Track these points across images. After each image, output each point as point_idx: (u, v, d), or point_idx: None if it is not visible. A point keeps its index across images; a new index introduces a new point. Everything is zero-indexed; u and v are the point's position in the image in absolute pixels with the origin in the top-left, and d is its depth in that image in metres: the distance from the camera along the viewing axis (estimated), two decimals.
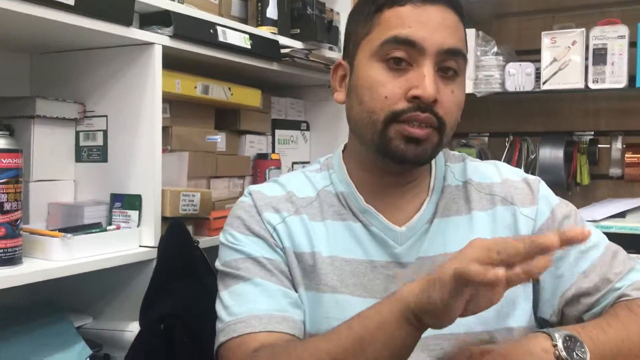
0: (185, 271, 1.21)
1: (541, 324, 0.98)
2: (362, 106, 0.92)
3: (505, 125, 1.88)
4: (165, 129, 1.48)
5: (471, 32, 1.70)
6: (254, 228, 0.96)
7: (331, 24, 1.94)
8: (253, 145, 1.79)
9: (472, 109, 1.90)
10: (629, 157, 1.65)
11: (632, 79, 1.52)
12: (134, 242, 1.25)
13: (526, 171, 1.77)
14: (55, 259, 1.09)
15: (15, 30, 1.16)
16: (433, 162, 1.00)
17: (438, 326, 0.72)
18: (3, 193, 1.01)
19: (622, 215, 1.52)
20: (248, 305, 0.90)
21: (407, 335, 0.74)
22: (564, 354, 0.77)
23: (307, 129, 2.00)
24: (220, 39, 1.39)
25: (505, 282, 0.65)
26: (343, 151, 1.04)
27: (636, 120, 1.70)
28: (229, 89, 1.56)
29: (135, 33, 1.22)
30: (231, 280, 0.94)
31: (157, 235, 1.26)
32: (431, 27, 0.89)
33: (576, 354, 0.78)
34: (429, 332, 0.75)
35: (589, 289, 0.93)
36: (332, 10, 2.02)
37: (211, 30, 1.37)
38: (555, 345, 0.78)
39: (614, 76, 1.53)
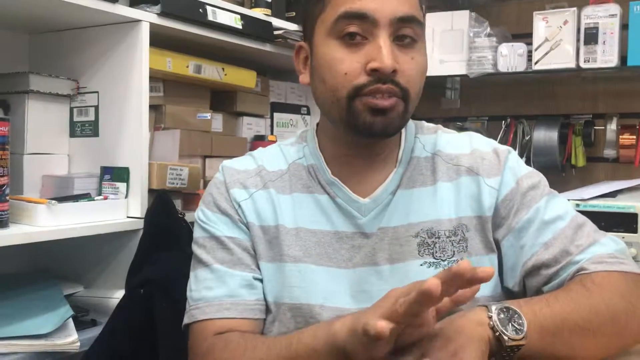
0: (169, 242, 1.25)
1: (507, 293, 0.96)
2: (325, 85, 0.92)
3: (504, 109, 1.88)
4: (158, 107, 1.53)
5: (465, 14, 1.71)
6: (221, 205, 0.99)
7: None
8: (251, 127, 1.83)
9: (471, 93, 1.91)
10: (624, 138, 1.64)
11: (624, 58, 1.50)
12: (122, 212, 1.30)
13: (521, 153, 1.78)
14: (41, 224, 1.15)
15: (13, 10, 1.22)
16: (402, 134, 1.00)
17: None
18: None
19: (612, 195, 1.51)
20: (203, 292, 0.95)
21: None
22: (499, 325, 0.76)
23: (308, 113, 2.03)
24: (210, 18, 1.43)
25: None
26: (318, 125, 1.06)
27: (631, 102, 1.69)
28: (223, 69, 1.60)
29: (122, 10, 1.26)
30: (197, 264, 0.98)
31: (144, 207, 1.30)
32: None
33: (512, 325, 0.77)
34: None
35: (548, 261, 0.90)
36: None
37: (200, 10, 1.41)
38: (490, 317, 0.77)
39: (605, 55, 1.52)
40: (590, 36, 1.53)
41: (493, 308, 0.77)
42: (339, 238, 0.95)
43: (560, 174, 1.76)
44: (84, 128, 1.38)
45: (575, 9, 1.55)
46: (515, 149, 1.73)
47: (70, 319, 1.15)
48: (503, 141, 1.80)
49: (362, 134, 0.92)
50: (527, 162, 1.77)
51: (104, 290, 1.33)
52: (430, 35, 1.75)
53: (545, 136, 1.70)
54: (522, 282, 0.93)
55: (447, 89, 1.95)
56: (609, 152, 1.66)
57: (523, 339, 0.75)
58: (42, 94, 1.32)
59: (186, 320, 0.96)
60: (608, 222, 1.44)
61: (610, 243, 0.92)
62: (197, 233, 1.00)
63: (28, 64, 1.46)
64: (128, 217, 1.31)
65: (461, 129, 1.87)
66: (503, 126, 1.81)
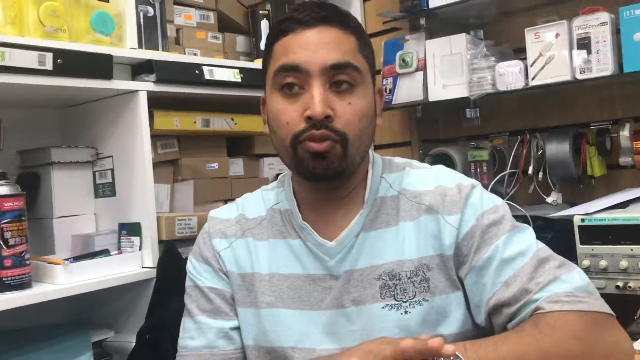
0: (177, 288, 1.37)
1: (477, 329, 0.96)
2: (275, 135, 0.99)
3: (524, 123, 1.85)
4: (175, 162, 1.68)
5: (462, 37, 1.72)
6: (205, 255, 1.07)
7: None
8: (272, 166, 1.92)
9: (491, 110, 1.91)
10: (637, 143, 1.57)
11: (622, 65, 1.46)
12: (137, 264, 1.44)
13: (536, 167, 1.76)
14: (60, 282, 1.30)
15: (44, 92, 1.40)
16: (369, 174, 1.03)
17: None
18: (7, 231, 1.23)
19: (624, 205, 1.46)
20: (187, 341, 1.04)
21: None
22: None
23: None
24: (207, 77, 1.56)
25: None
26: None
27: None
28: (232, 119, 1.72)
29: (120, 84, 1.41)
30: (185, 312, 1.08)
31: (155, 257, 1.43)
32: (311, 48, 0.93)
33: None
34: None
35: (508, 299, 0.90)
36: None
37: (196, 71, 1.54)
38: None
39: (600, 64, 1.47)
40: (583, 46, 1.50)
41: None
42: (312, 280, 1.00)
43: (577, 185, 1.71)
44: (105, 189, 1.54)
45: (564, 21, 1.53)
46: (530, 164, 1.75)
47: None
48: (517, 157, 1.78)
49: (309, 179, 0.98)
50: (544, 176, 1.75)
51: (132, 335, 1.47)
52: (432, 62, 1.78)
53: (558, 149, 1.66)
54: (488, 319, 0.94)
55: (467, 109, 1.95)
56: (625, 160, 1.59)
57: None
58: (65, 163, 1.50)
59: None
60: (615, 235, 1.40)
61: (574, 279, 0.90)
62: (187, 282, 1.11)
63: (60, 136, 1.65)
64: (143, 267, 1.45)
65: (475, 148, 1.88)
66: (517, 142, 1.79)
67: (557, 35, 1.54)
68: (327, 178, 0.97)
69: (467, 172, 1.84)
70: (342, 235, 1.00)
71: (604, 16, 1.48)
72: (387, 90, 1.88)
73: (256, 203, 1.10)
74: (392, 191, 1.02)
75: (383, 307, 0.95)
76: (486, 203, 0.98)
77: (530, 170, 1.75)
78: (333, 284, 0.99)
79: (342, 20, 0.97)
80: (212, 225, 1.10)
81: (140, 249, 1.44)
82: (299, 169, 0.98)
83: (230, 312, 1.05)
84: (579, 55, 1.51)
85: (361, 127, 0.96)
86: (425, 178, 1.03)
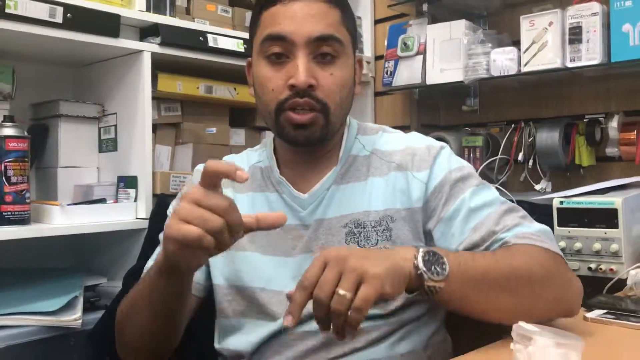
0: None
1: None
2: (260, 100, 1.06)
3: (521, 113, 1.90)
4: (178, 125, 1.76)
5: (461, 23, 1.77)
6: None
7: None
8: None
9: (490, 99, 1.96)
10: (624, 135, 1.60)
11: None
12: (131, 214, 1.52)
13: (527, 155, 1.80)
14: (56, 222, 1.39)
15: (57, 49, 1.50)
16: (344, 136, 1.10)
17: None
18: (10, 169, 1.33)
19: (603, 192, 1.49)
20: (149, 262, 1.12)
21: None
22: (421, 265, 0.81)
23: None
24: (211, 44, 1.63)
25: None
26: None
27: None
28: (234, 88, 1.80)
29: (127, 43, 1.50)
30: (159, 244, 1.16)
31: (148, 209, 1.52)
32: (298, 20, 0.99)
33: (435, 268, 0.82)
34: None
35: (477, 242, 0.97)
36: None
37: (201, 38, 1.62)
38: (415, 257, 0.82)
39: (589, 53, 1.51)
40: (575, 35, 1.54)
41: (420, 250, 0.83)
42: (285, 230, 1.06)
43: (564, 173, 1.75)
44: (108, 144, 1.63)
45: (558, 10, 1.57)
46: (520, 151, 1.79)
47: (80, 302, 1.37)
48: (509, 144, 1.83)
49: (290, 144, 1.06)
50: (534, 164, 1.79)
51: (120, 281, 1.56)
52: (432, 47, 1.83)
53: (547, 137, 1.70)
54: None
55: (467, 97, 2.00)
56: (611, 150, 1.63)
57: (442, 282, 0.82)
58: (72, 117, 1.59)
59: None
60: (590, 218, 1.44)
61: (535, 225, 0.99)
62: (166, 221, 1.19)
63: (72, 94, 1.75)
64: (137, 218, 1.53)
65: (471, 135, 1.93)
66: (511, 129, 1.84)
67: (550, 24, 1.58)
68: (309, 145, 1.04)
69: (461, 157, 1.88)
70: (314, 189, 1.07)
71: (596, 7, 1.52)
72: (388, 73, 1.94)
73: (240, 161, 1.19)
74: (364, 151, 1.09)
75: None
76: (453, 162, 1.06)
77: (520, 157, 1.79)
78: (304, 233, 1.06)
79: None
80: (197, 177, 1.17)
81: (135, 200, 1.53)
82: (280, 135, 1.05)
83: None
84: (570, 44, 1.55)
85: (342, 96, 1.03)
86: (396, 140, 1.10)
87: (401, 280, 0.80)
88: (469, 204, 0.99)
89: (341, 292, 0.75)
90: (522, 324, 0.67)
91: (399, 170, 1.05)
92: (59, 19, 1.33)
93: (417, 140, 1.09)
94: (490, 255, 0.92)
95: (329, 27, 1.01)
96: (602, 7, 1.52)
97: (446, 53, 1.80)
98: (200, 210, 0.76)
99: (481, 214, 0.99)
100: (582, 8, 1.53)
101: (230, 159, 1.21)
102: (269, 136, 1.19)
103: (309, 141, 1.02)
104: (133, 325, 1.03)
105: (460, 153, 1.90)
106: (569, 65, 1.56)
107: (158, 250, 1.12)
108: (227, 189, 1.12)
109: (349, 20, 1.07)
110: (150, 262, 1.12)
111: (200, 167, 1.20)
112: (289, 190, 1.08)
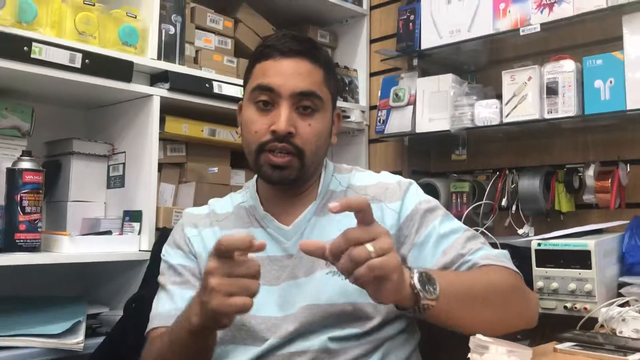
0: None
1: None
2: (245, 139, 1.19)
3: (507, 162, 2.01)
4: (182, 165, 1.88)
5: (449, 77, 1.91)
6: (177, 242, 1.26)
7: (350, 82, 2.27)
8: None
9: (478, 148, 2.07)
10: (600, 183, 1.71)
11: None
12: (134, 246, 1.62)
13: (510, 201, 1.90)
14: (65, 251, 1.49)
15: (72, 88, 1.61)
16: (322, 174, 1.23)
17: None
18: (25, 199, 1.43)
19: (579, 235, 1.59)
20: (159, 308, 1.20)
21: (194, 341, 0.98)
22: (418, 285, 0.89)
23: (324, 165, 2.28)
24: (216, 90, 1.77)
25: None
26: None
27: (621, 150, 1.78)
28: (237, 132, 1.91)
29: (139, 88, 1.63)
30: (159, 288, 1.25)
31: (151, 242, 1.61)
32: (285, 75, 1.12)
33: (428, 287, 0.90)
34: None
35: (446, 263, 1.08)
36: (347, 68, 2.33)
37: (207, 85, 1.75)
38: (412, 277, 0.90)
39: (565, 106, 1.63)
40: (551, 90, 1.67)
41: (415, 271, 0.91)
42: (270, 261, 1.17)
43: (545, 218, 1.85)
44: (116, 181, 1.74)
45: (536, 66, 1.71)
46: (504, 197, 1.90)
47: (83, 327, 1.45)
48: (493, 191, 1.93)
49: (267, 183, 1.18)
50: (516, 210, 1.89)
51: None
52: (421, 98, 1.97)
53: (529, 185, 1.81)
54: None
55: (456, 146, 2.12)
56: (588, 197, 1.73)
57: (434, 300, 0.90)
58: (84, 154, 1.71)
59: (147, 330, 1.21)
60: (566, 259, 1.53)
61: (496, 250, 1.12)
62: (161, 265, 1.28)
63: (84, 134, 1.87)
64: (140, 250, 1.63)
65: (458, 181, 2.04)
66: (495, 176, 1.95)
67: (529, 79, 1.71)
68: (283, 184, 1.17)
69: (449, 202, 2.00)
70: (297, 221, 1.18)
71: (570, 64, 1.65)
72: (381, 121, 2.07)
73: (225, 202, 1.31)
74: (341, 187, 1.23)
75: (327, 273, 1.12)
76: (422, 196, 1.20)
77: (504, 203, 1.89)
78: (288, 262, 1.16)
79: (315, 55, 1.18)
80: (185, 219, 1.29)
81: (139, 233, 1.63)
82: (259, 173, 1.18)
83: (198, 284, 1.21)
84: (547, 97, 1.67)
85: (317, 144, 1.16)
86: (369, 176, 1.25)
87: (400, 290, 0.88)
88: (438, 231, 1.12)
89: (370, 248, 0.83)
90: (479, 336, 0.76)
91: (373, 202, 1.16)
92: (77, 64, 1.47)
93: (388, 177, 1.23)
94: (469, 274, 1.04)
95: (312, 84, 1.15)
96: (576, 65, 1.65)
97: (434, 104, 1.93)
98: (238, 280, 0.87)
99: (450, 239, 1.11)
100: (558, 65, 1.67)
101: (216, 202, 1.32)
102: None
103: (283, 181, 1.14)
104: None
105: (448, 198, 2.01)
106: (547, 116, 1.68)
107: (164, 296, 1.20)
108: (214, 227, 1.23)
109: (331, 80, 1.22)
110: (161, 307, 1.19)
111: (188, 210, 1.32)
112: (273, 223, 1.19)
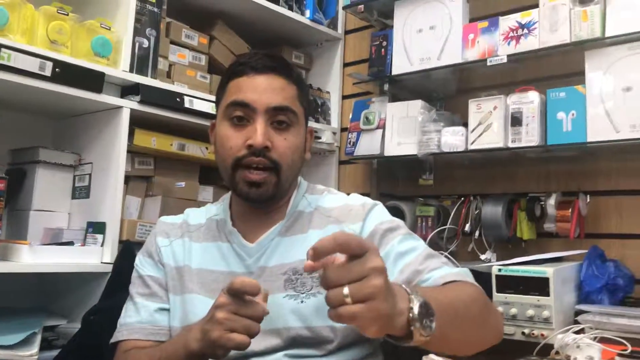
0: (127, 282, 1.52)
1: None
2: (219, 156, 1.20)
3: (472, 188, 2.05)
4: (149, 178, 1.87)
5: (417, 103, 1.95)
6: (149, 250, 1.27)
7: (323, 104, 2.30)
8: None
9: (445, 174, 2.11)
10: (560, 213, 1.76)
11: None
12: (97, 258, 1.60)
13: (473, 227, 1.93)
14: (24, 261, 1.46)
15: (40, 101, 1.61)
16: (294, 194, 1.24)
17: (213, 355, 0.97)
18: None
19: (539, 262, 1.62)
20: (126, 319, 1.21)
21: None
22: (417, 323, 0.79)
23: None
24: (187, 105, 1.77)
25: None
26: None
27: (584, 180, 1.83)
28: (206, 148, 1.92)
29: (109, 99, 1.63)
30: (129, 297, 1.25)
31: (114, 254, 1.60)
32: (260, 91, 1.14)
33: (426, 322, 0.80)
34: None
35: (403, 282, 1.04)
36: (320, 89, 2.36)
37: (177, 99, 1.75)
38: (411, 309, 0.79)
39: (528, 136, 1.69)
40: (515, 119, 1.71)
41: (416, 302, 0.80)
42: (233, 276, 1.14)
43: (506, 244, 1.88)
44: (81, 191, 1.72)
45: (502, 96, 1.75)
46: (467, 223, 1.93)
47: (38, 339, 1.43)
48: (457, 215, 1.96)
49: (243, 200, 1.19)
50: (479, 236, 1.92)
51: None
52: (391, 122, 2.00)
53: (492, 211, 1.85)
54: None
55: (424, 171, 2.15)
56: (549, 226, 1.78)
57: (428, 337, 0.80)
58: (50, 163, 1.69)
59: (112, 340, 1.21)
60: (525, 286, 1.56)
61: (456, 268, 1.11)
62: (132, 274, 1.28)
63: (51, 144, 1.85)
64: (102, 262, 1.61)
65: (424, 205, 2.07)
66: (459, 202, 1.98)
67: (495, 108, 1.75)
68: (260, 202, 1.17)
69: (414, 225, 2.03)
70: (260, 239, 1.19)
71: (534, 95, 1.70)
72: (351, 143, 2.09)
73: (200, 213, 1.31)
74: (309, 208, 1.23)
75: (284, 297, 1.12)
76: (385, 216, 1.19)
77: (467, 228, 1.92)
78: (247, 279, 1.16)
79: (288, 72, 1.20)
80: (159, 227, 1.29)
81: (102, 245, 1.61)
82: (235, 191, 1.19)
83: (164, 296, 1.22)
84: (512, 126, 1.72)
85: (293, 158, 1.18)
86: (338, 199, 1.25)
87: (388, 329, 0.79)
88: (397, 249, 1.12)
89: (346, 291, 0.73)
90: (431, 355, 0.77)
91: (335, 223, 1.18)
92: (48, 72, 1.46)
93: (355, 199, 1.24)
94: (450, 291, 0.99)
95: (286, 100, 1.17)
96: (540, 96, 1.70)
97: (403, 129, 1.96)
98: (242, 319, 0.92)
99: (408, 257, 1.11)
100: (522, 96, 1.72)
101: (191, 212, 1.32)
102: None
103: (260, 198, 1.15)
104: None
105: (414, 221, 2.04)
106: (511, 145, 1.72)
107: (131, 307, 1.21)
108: (184, 238, 1.24)
109: (304, 97, 1.24)
110: (128, 319, 1.20)
111: (163, 218, 1.32)
112: (239, 239, 1.20)
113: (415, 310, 0.79)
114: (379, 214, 1.20)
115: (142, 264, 1.26)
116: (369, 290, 0.73)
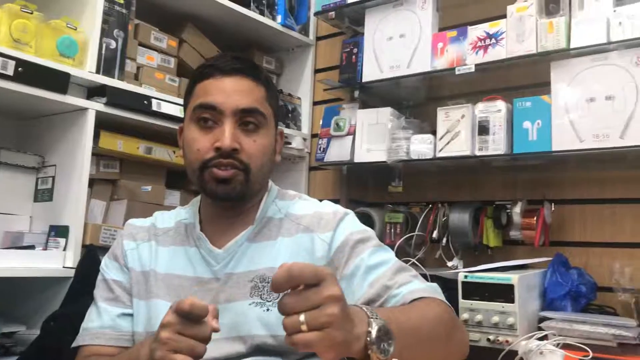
0: (90, 288, 1.49)
1: None
2: (187, 159, 1.17)
3: (440, 195, 2.07)
4: (115, 182, 1.84)
5: (387, 110, 1.97)
6: (115, 253, 1.24)
7: (294, 109, 2.29)
8: None
9: (414, 181, 2.12)
10: (525, 221, 1.78)
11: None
12: (59, 262, 1.56)
13: (440, 234, 1.95)
14: None
15: (3, 97, 1.56)
16: (264, 199, 1.22)
17: None
18: None
19: (504, 270, 1.64)
20: (88, 323, 1.18)
21: None
22: (375, 347, 0.79)
23: None
24: (154, 108, 1.75)
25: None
26: None
27: (549, 189, 1.86)
28: (174, 152, 1.90)
29: (74, 100, 1.59)
30: (93, 300, 1.22)
31: (77, 259, 1.56)
32: (227, 93, 1.12)
33: (383, 346, 0.80)
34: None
35: (373, 296, 1.05)
36: (291, 95, 2.36)
37: (145, 101, 1.73)
38: (369, 334, 0.79)
39: (495, 144, 1.71)
40: (482, 128, 1.73)
41: (374, 324, 0.80)
42: (199, 282, 1.15)
43: (473, 252, 1.90)
44: (44, 194, 1.69)
45: (469, 105, 1.77)
46: (435, 230, 1.94)
47: None
48: (425, 222, 1.98)
49: (212, 198, 1.16)
50: (447, 243, 1.94)
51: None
52: (361, 129, 2.01)
53: (459, 218, 1.86)
54: None
55: (393, 178, 2.16)
56: (515, 233, 1.80)
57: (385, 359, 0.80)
58: (11, 165, 1.65)
59: (73, 344, 1.18)
60: (490, 292, 1.57)
61: (425, 283, 1.09)
62: (98, 277, 1.25)
63: (15, 146, 1.81)
64: (64, 267, 1.57)
65: (393, 212, 2.08)
66: (427, 209, 1.99)
67: (462, 116, 1.77)
68: (228, 199, 1.15)
69: (383, 231, 2.03)
70: (228, 245, 1.17)
71: (501, 104, 1.72)
72: (321, 149, 2.09)
73: (169, 217, 1.29)
74: (279, 214, 1.21)
75: (250, 304, 1.10)
76: (356, 226, 1.17)
77: (435, 235, 1.94)
78: (214, 286, 1.14)
79: (255, 73, 1.18)
80: (126, 230, 1.27)
81: (64, 249, 1.57)
82: (204, 190, 1.16)
83: (127, 301, 1.19)
84: (479, 135, 1.73)
85: (263, 161, 1.16)
86: (309, 206, 1.22)
87: (346, 353, 0.78)
88: (367, 263, 1.10)
89: (302, 319, 0.74)
90: None
91: (305, 232, 1.16)
92: (10, 71, 1.43)
93: (326, 207, 1.21)
94: (415, 310, 0.99)
95: (254, 101, 1.15)
96: (507, 105, 1.73)
97: (373, 135, 1.97)
98: (186, 340, 0.87)
99: (377, 271, 1.09)
100: (490, 105, 1.74)
101: (160, 215, 1.29)
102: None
103: (228, 195, 1.13)
104: None
105: (382, 228, 2.04)
106: (477, 153, 1.74)
107: (94, 311, 1.19)
108: (151, 242, 1.22)
109: (272, 98, 1.22)
110: (90, 323, 1.18)
111: (131, 221, 1.29)
112: (206, 245, 1.18)
113: (374, 334, 0.79)
114: (350, 224, 1.17)
115: (107, 267, 1.23)
116: (325, 319, 0.74)
